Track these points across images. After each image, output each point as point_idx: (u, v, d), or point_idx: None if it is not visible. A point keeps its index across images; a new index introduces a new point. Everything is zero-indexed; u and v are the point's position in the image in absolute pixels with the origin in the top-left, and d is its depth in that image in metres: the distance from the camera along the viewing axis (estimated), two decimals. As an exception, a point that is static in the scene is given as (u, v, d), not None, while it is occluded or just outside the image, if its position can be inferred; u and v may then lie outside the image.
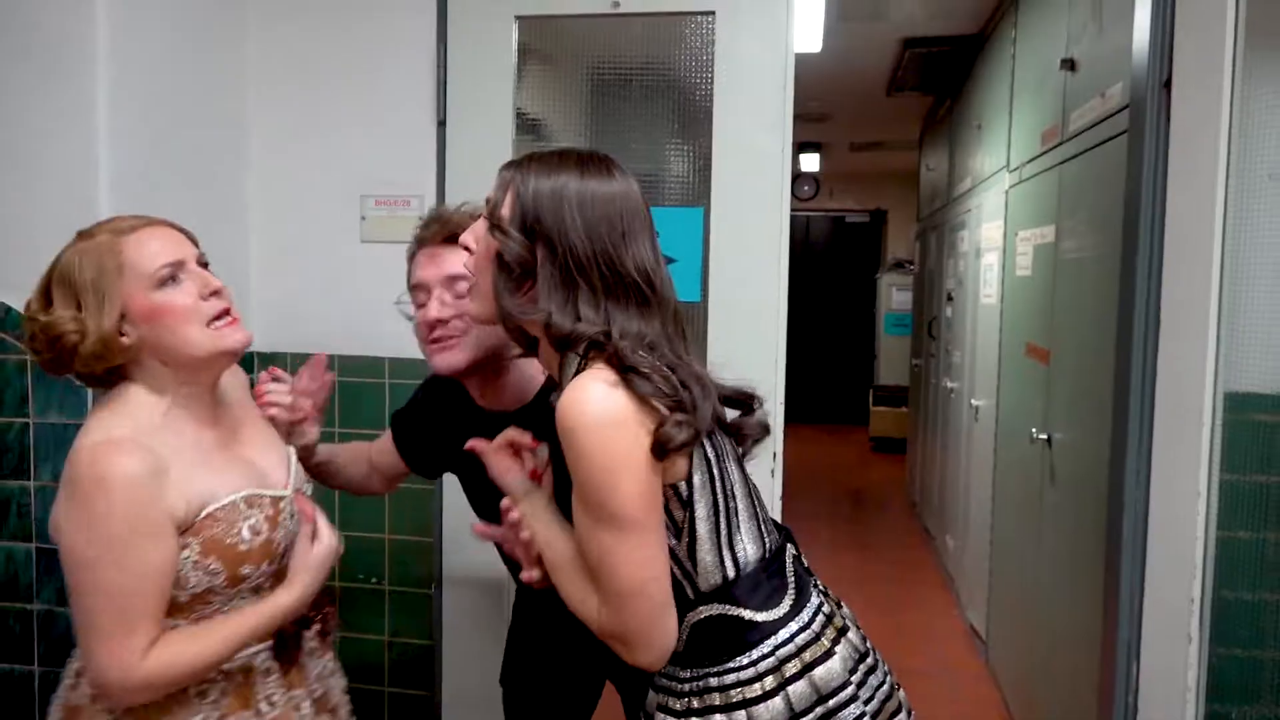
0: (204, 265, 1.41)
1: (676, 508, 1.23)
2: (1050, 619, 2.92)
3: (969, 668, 3.92)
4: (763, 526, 1.32)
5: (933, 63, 5.04)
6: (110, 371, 1.35)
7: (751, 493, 1.34)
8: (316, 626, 1.51)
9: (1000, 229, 3.86)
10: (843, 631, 1.31)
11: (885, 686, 1.33)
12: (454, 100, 2.37)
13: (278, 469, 1.48)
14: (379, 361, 2.43)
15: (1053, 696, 2.87)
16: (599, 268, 1.22)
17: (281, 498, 1.44)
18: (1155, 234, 2.08)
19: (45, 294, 1.35)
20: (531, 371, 1.67)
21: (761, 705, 1.22)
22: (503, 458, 1.41)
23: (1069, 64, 2.90)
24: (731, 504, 1.27)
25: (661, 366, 1.20)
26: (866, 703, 1.27)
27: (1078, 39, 2.87)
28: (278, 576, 1.42)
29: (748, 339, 2.30)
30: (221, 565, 1.33)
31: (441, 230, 1.61)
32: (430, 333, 1.60)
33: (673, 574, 1.24)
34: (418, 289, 1.64)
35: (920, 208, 6.98)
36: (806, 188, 9.04)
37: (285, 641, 1.44)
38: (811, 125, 6.95)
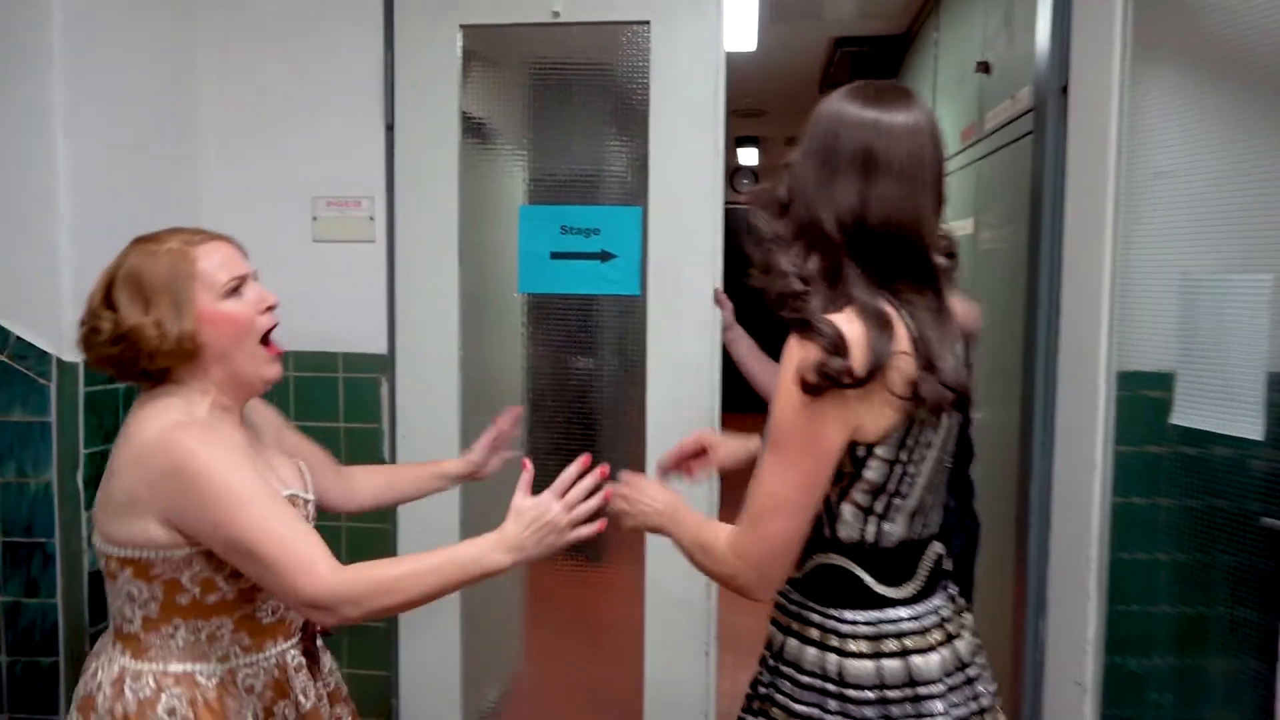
0: (255, 279, 1.53)
1: (848, 461, 1.29)
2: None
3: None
4: (924, 518, 1.37)
5: (862, 61, 5.20)
6: (161, 371, 1.45)
7: (933, 483, 1.37)
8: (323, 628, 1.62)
9: (926, 221, 4.05)
10: (952, 638, 1.37)
11: (977, 702, 1.37)
12: (401, 105, 2.47)
13: (291, 477, 1.58)
14: (332, 356, 2.52)
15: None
16: (860, 218, 1.28)
17: (308, 500, 1.57)
18: (1056, 228, 2.26)
19: (107, 294, 1.45)
20: None
21: (854, 661, 1.31)
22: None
23: (984, 67, 3.08)
24: (900, 492, 1.32)
25: (851, 315, 1.25)
26: (954, 707, 1.33)
27: (991, 44, 3.05)
28: None
29: (687, 331, 2.43)
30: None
31: None
32: None
33: (818, 512, 1.32)
34: None
35: (855, 200, 7.17)
36: (746, 181, 9.21)
37: (311, 640, 1.58)
38: (749, 120, 7.12)
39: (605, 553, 2.68)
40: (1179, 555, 2.11)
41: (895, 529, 1.34)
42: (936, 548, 1.41)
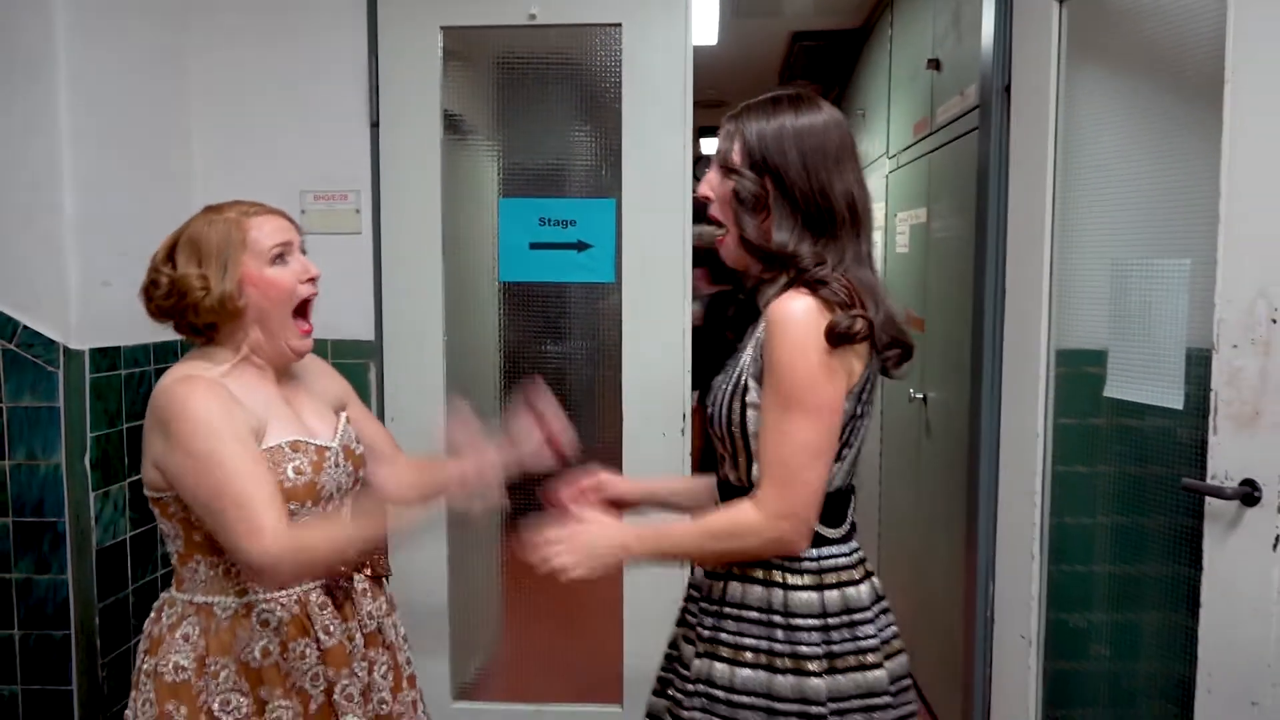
0: (303, 251, 1.68)
1: None
2: (928, 556, 3.30)
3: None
4: (852, 468, 1.51)
5: (820, 54, 5.37)
6: (209, 326, 1.61)
7: (864, 438, 1.51)
8: (367, 571, 1.73)
9: (882, 210, 4.23)
10: (869, 574, 1.52)
11: (892, 629, 1.54)
12: (385, 103, 2.59)
13: (324, 428, 1.69)
14: (322, 343, 2.60)
15: (931, 625, 3.25)
16: (814, 197, 1.42)
17: (327, 448, 1.64)
18: (1000, 217, 2.43)
19: (170, 252, 1.62)
20: None
21: (798, 593, 1.44)
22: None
23: (935, 64, 3.25)
24: (850, 443, 1.45)
25: (846, 280, 1.39)
26: (880, 630, 1.48)
27: (942, 41, 3.22)
28: None
29: (658, 313, 2.59)
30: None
31: None
32: None
33: None
34: None
35: (814, 189, 7.34)
36: (707, 170, 9.34)
37: (336, 583, 1.65)
38: (711, 111, 7.25)
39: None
40: (1115, 518, 2.30)
41: (838, 476, 1.47)
42: (853, 499, 1.56)
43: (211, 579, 1.60)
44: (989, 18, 2.48)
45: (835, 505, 1.48)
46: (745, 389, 1.46)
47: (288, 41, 2.60)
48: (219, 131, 2.62)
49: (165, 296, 1.59)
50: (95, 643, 2.20)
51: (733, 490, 1.51)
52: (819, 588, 1.44)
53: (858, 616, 1.46)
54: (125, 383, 2.29)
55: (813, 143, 1.44)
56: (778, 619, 1.44)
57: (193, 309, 1.58)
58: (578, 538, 1.47)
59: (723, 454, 1.53)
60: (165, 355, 2.46)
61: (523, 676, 2.88)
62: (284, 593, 1.61)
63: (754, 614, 1.45)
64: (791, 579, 1.44)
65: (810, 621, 1.43)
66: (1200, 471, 1.79)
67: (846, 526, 1.51)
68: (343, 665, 1.62)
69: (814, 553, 1.45)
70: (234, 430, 1.50)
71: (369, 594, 1.73)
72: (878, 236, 4.37)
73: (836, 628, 1.44)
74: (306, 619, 1.61)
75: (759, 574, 1.46)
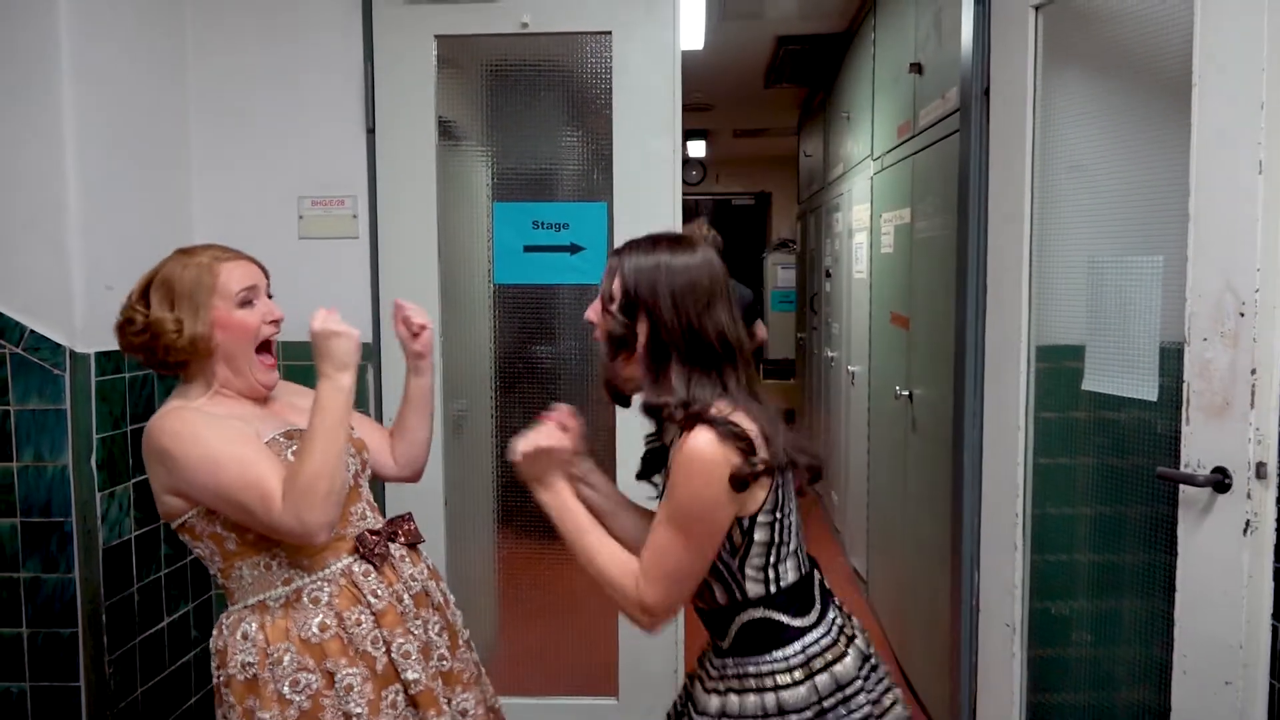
0: (269, 295, 1.76)
1: (737, 534, 1.49)
2: (915, 549, 3.37)
3: (853, 606, 4.35)
4: (800, 558, 1.58)
5: (805, 58, 5.45)
6: (179, 364, 1.70)
7: (800, 526, 1.59)
8: (402, 539, 1.82)
9: (868, 211, 4.30)
10: (851, 639, 1.58)
11: (885, 681, 1.59)
12: (381, 110, 2.65)
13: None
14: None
15: (918, 616, 3.32)
16: (685, 335, 1.49)
17: None
18: (980, 217, 2.50)
19: (144, 293, 1.69)
20: None
21: (790, 690, 1.50)
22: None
23: (916, 68, 3.33)
24: (785, 540, 1.53)
25: (741, 417, 1.46)
26: (869, 693, 1.55)
27: (923, 46, 3.30)
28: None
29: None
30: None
31: None
32: None
33: (725, 580, 1.52)
34: None
35: (800, 191, 7.43)
36: (694, 173, 9.43)
37: (372, 549, 1.74)
38: (697, 114, 7.33)
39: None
40: (1095, 508, 2.37)
41: (790, 573, 1.55)
42: (817, 575, 1.62)
43: (256, 579, 1.69)
44: (968, 23, 2.55)
45: (799, 595, 1.55)
46: None
47: (285, 49, 2.66)
48: (217, 138, 2.67)
49: (138, 334, 1.68)
50: (102, 640, 2.24)
51: (712, 616, 1.59)
52: (809, 678, 1.51)
53: (849, 690, 1.53)
54: (129, 386, 2.34)
55: (682, 281, 1.50)
56: None
57: (165, 349, 1.67)
58: (537, 455, 1.57)
59: (696, 590, 1.59)
60: (167, 358, 2.51)
61: (520, 670, 2.93)
62: (327, 570, 1.71)
63: None
64: (783, 679, 1.51)
65: (805, 715, 1.50)
66: (1175, 461, 1.87)
67: (818, 608, 1.57)
68: (396, 625, 1.72)
69: (797, 645, 1.52)
70: (221, 430, 1.62)
71: (407, 559, 1.82)
72: (862, 236, 4.44)
73: (831, 709, 1.51)
74: (354, 588, 1.71)
75: (752, 684, 1.53)
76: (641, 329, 1.51)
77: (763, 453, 1.45)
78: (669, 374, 1.50)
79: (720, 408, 1.47)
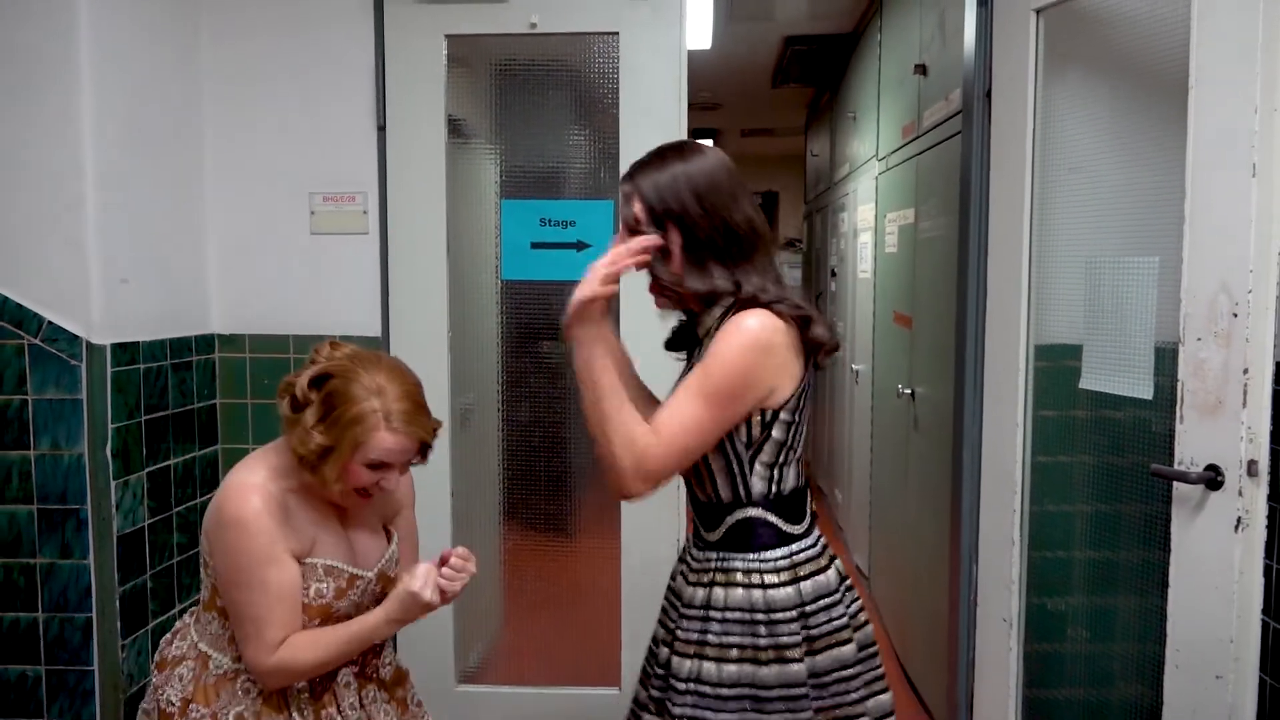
0: (408, 465, 1.70)
1: (757, 427, 1.54)
2: (916, 546, 3.40)
3: (854, 601, 4.40)
4: (800, 468, 1.64)
5: (812, 58, 5.48)
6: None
7: (807, 436, 1.64)
8: (366, 673, 1.80)
9: (872, 211, 4.33)
10: (833, 559, 1.65)
11: (858, 603, 1.67)
12: (392, 107, 2.69)
13: (372, 554, 1.75)
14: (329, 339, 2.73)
15: (918, 612, 3.36)
16: (721, 232, 1.53)
17: (359, 576, 1.70)
18: (982, 217, 2.53)
19: (317, 385, 1.61)
20: None
21: (776, 590, 1.56)
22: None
23: (921, 69, 3.36)
24: (794, 445, 1.59)
25: (785, 293, 1.54)
26: (848, 606, 1.62)
27: (928, 47, 3.32)
28: None
29: (654, 311, 2.67)
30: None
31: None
32: None
33: (731, 473, 1.57)
34: None
35: (807, 190, 7.45)
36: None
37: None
38: (705, 113, 7.36)
39: (579, 530, 2.94)
40: (1091, 505, 2.40)
41: (791, 478, 1.61)
42: (807, 491, 1.68)
43: (219, 635, 1.70)
44: (970, 26, 2.58)
45: (794, 503, 1.61)
46: None
47: (298, 48, 2.70)
48: (231, 135, 2.72)
49: (288, 418, 1.62)
50: (116, 625, 2.29)
51: (707, 509, 1.63)
52: (794, 581, 1.57)
53: (829, 600, 1.59)
54: (144, 376, 2.39)
55: (705, 182, 1.54)
56: (760, 617, 1.56)
57: (295, 439, 1.60)
58: (596, 299, 1.55)
59: (686, 477, 1.64)
60: (181, 350, 2.56)
61: (524, 661, 2.97)
62: None
63: (737, 614, 1.57)
64: (770, 578, 1.57)
65: (790, 614, 1.56)
66: (1169, 458, 1.90)
67: (807, 520, 1.64)
68: None
69: (785, 550, 1.58)
70: (270, 554, 1.59)
71: (350, 686, 1.76)
72: (867, 236, 4.47)
73: (813, 614, 1.57)
74: (282, 699, 1.68)
75: (739, 578, 1.58)
76: (675, 240, 1.55)
77: (818, 329, 1.54)
78: (710, 273, 1.54)
79: (770, 292, 1.53)
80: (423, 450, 1.68)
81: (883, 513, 4.13)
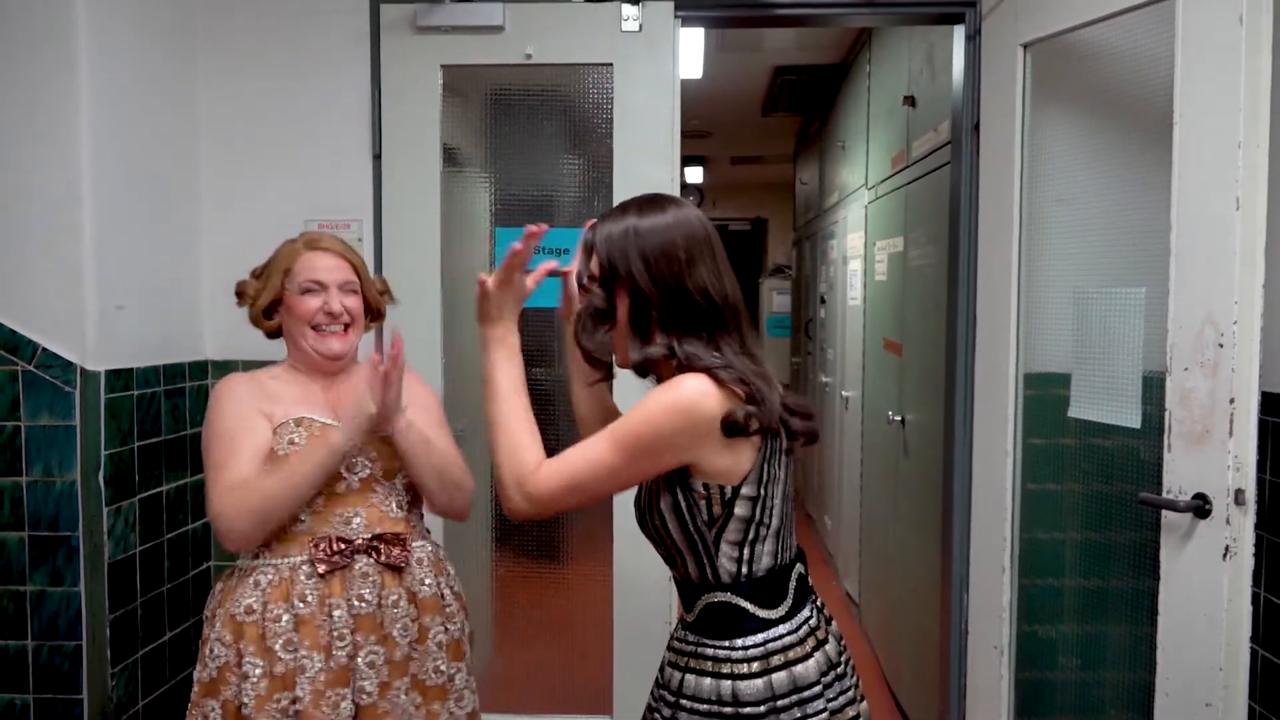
0: (352, 291, 1.92)
1: (717, 505, 1.43)
2: (906, 573, 3.41)
3: (844, 630, 4.39)
4: (781, 545, 1.50)
5: (801, 88, 5.54)
6: (276, 334, 1.95)
7: (785, 510, 1.51)
8: (380, 558, 1.82)
9: (862, 239, 4.37)
10: (822, 643, 1.51)
11: (850, 693, 1.53)
12: (388, 136, 2.71)
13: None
14: (323, 366, 2.74)
15: (908, 639, 3.36)
16: (664, 298, 1.42)
17: (330, 425, 1.83)
18: (971, 247, 2.57)
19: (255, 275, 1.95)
20: None
21: (746, 682, 1.45)
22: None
23: (910, 100, 3.40)
24: (764, 522, 1.47)
25: (734, 363, 1.41)
26: (830, 701, 1.48)
27: (917, 79, 3.37)
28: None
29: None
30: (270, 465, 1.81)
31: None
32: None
33: (696, 552, 1.47)
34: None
35: (796, 218, 7.51)
36: (692, 198, 9.49)
37: (326, 554, 1.79)
38: (695, 141, 7.42)
39: (570, 558, 2.94)
40: (1081, 533, 2.42)
41: (765, 558, 1.48)
42: (799, 568, 1.55)
43: None
44: (959, 59, 2.63)
45: (771, 586, 1.50)
46: (655, 490, 1.49)
47: (294, 75, 2.72)
48: (227, 162, 2.73)
49: (238, 295, 1.95)
50: (106, 653, 2.28)
51: (683, 588, 1.54)
52: (765, 672, 1.46)
53: (806, 694, 1.47)
54: (137, 403, 2.39)
55: (654, 243, 1.44)
56: (727, 711, 1.46)
57: (250, 313, 1.93)
58: (505, 290, 1.56)
59: (668, 557, 1.56)
60: (174, 376, 2.56)
61: (514, 689, 2.96)
62: (281, 559, 1.81)
63: (705, 706, 1.48)
64: (739, 668, 1.46)
65: (758, 709, 1.44)
66: (1157, 487, 1.92)
67: (788, 603, 1.51)
68: (310, 636, 1.76)
69: (759, 638, 1.47)
70: (236, 411, 1.81)
71: (373, 578, 1.82)
72: (857, 264, 4.51)
73: (786, 709, 1.45)
74: (289, 584, 1.79)
75: (709, 666, 1.48)
76: (622, 302, 1.46)
77: (755, 409, 1.40)
78: (654, 340, 1.44)
79: (711, 361, 1.42)
80: (356, 269, 1.93)
81: (872, 539, 4.14)
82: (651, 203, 1.49)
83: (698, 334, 1.44)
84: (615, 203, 2.70)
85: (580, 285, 1.52)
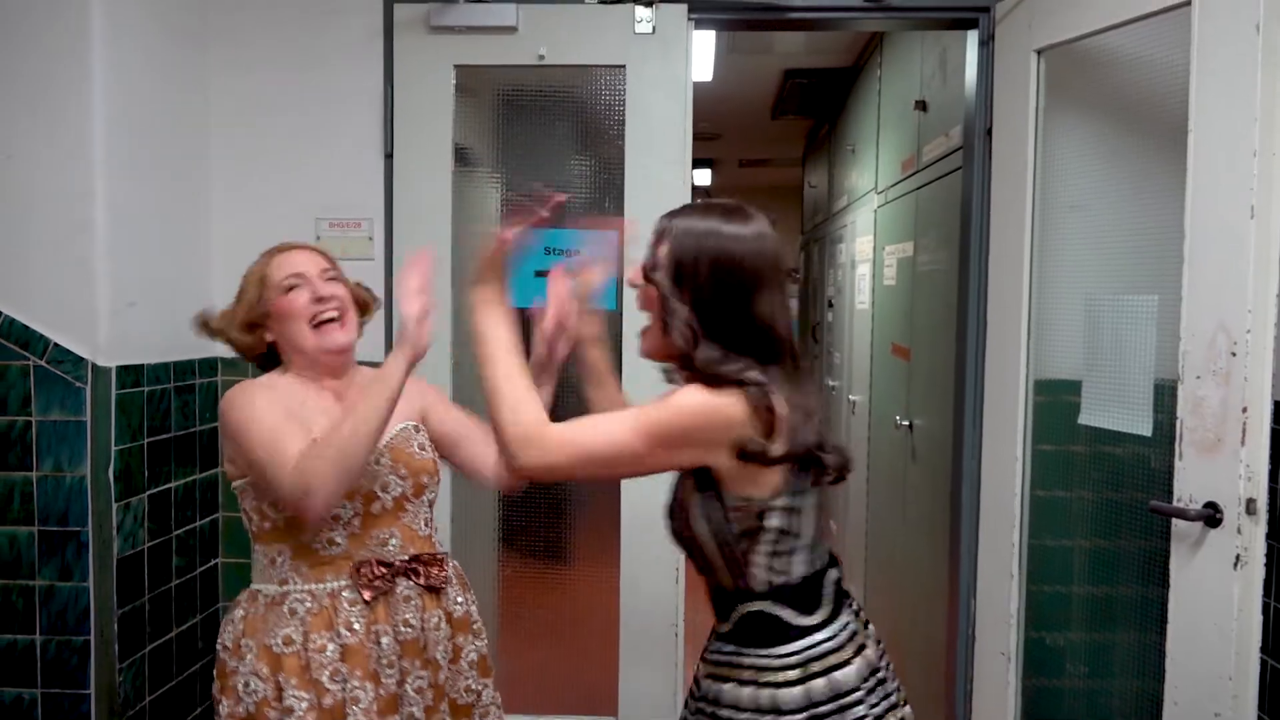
0: (332, 278, 1.86)
1: (751, 519, 1.43)
2: (913, 578, 3.40)
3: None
4: (814, 552, 1.50)
5: (811, 91, 5.53)
6: (268, 357, 1.87)
7: (819, 520, 1.50)
8: (420, 580, 1.78)
9: (871, 243, 4.36)
10: (861, 649, 1.49)
11: (892, 698, 1.51)
12: (399, 136, 2.71)
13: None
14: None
15: (914, 645, 3.35)
16: (720, 305, 1.42)
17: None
18: (982, 253, 2.57)
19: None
20: None
21: (785, 690, 1.44)
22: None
23: (921, 105, 3.40)
24: (795, 535, 1.46)
25: (772, 388, 1.40)
26: (872, 707, 1.46)
27: (928, 84, 3.37)
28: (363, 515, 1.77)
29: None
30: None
31: None
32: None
33: (729, 560, 1.46)
34: None
35: (804, 221, 7.50)
36: (700, 200, 9.47)
37: (369, 579, 1.73)
38: (704, 143, 7.42)
39: (577, 558, 2.94)
40: (1090, 540, 2.41)
41: (798, 566, 1.47)
42: (834, 573, 1.54)
43: (265, 567, 1.77)
44: (972, 64, 2.62)
45: (806, 593, 1.49)
46: (688, 501, 1.48)
47: (306, 74, 2.73)
48: (238, 160, 2.74)
49: (210, 336, 1.89)
50: (114, 648, 2.28)
51: (716, 597, 1.54)
52: (804, 679, 1.45)
53: (847, 700, 1.46)
54: (147, 399, 2.39)
55: (729, 262, 1.43)
56: (766, 719, 1.45)
57: (230, 342, 1.86)
58: (494, 256, 1.64)
59: (703, 567, 1.54)
60: (184, 373, 2.56)
61: (520, 689, 2.95)
62: (317, 584, 1.72)
63: (745, 715, 1.46)
64: (778, 676, 1.45)
65: (799, 717, 1.43)
66: (1168, 495, 1.91)
67: (826, 609, 1.50)
68: (360, 665, 1.68)
69: (796, 645, 1.46)
70: (266, 403, 1.71)
71: (415, 602, 1.78)
72: (865, 268, 4.51)
73: (826, 716, 1.44)
74: (332, 612, 1.71)
75: (747, 675, 1.47)
76: (684, 303, 1.44)
77: (782, 438, 1.40)
78: (702, 346, 1.43)
79: (751, 377, 1.41)
80: (326, 257, 1.89)
81: (879, 544, 4.14)
82: (737, 211, 1.48)
83: (744, 355, 1.43)
84: (625, 205, 2.73)
85: (648, 275, 1.49)
